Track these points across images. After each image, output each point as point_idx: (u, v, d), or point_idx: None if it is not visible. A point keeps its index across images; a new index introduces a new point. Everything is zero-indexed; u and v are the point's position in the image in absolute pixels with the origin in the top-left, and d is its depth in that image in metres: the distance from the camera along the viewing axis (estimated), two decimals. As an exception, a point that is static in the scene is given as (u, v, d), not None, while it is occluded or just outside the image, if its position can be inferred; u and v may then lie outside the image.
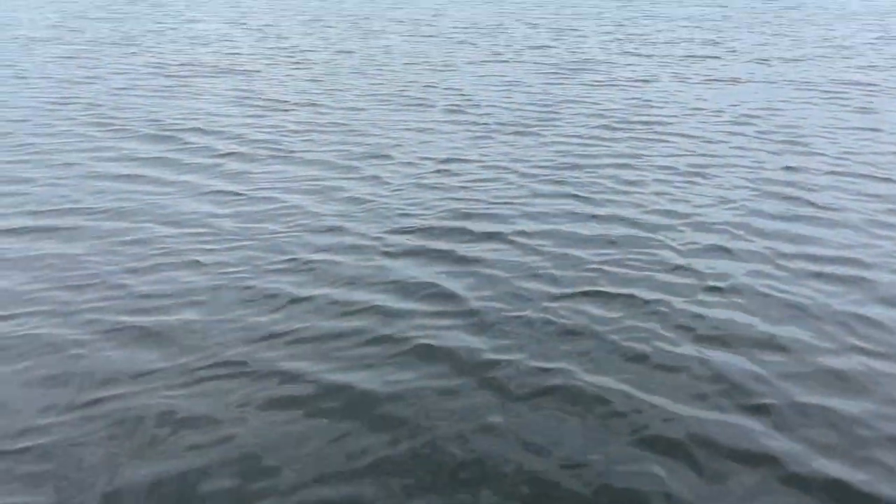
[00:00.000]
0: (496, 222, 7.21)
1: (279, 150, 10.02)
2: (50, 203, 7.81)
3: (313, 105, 13.01)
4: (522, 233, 6.90)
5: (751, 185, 8.34)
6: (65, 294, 5.72)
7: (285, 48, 21.55)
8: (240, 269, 6.18)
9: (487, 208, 7.59)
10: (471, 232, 6.95)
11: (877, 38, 23.30)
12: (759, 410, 4.25)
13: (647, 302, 5.54)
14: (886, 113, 11.89)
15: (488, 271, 6.09)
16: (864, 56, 18.91)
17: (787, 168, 8.92)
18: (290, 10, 39.58)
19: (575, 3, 51.30)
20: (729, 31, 26.37)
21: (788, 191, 8.11)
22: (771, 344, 4.95)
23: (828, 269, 6.11)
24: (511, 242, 6.68)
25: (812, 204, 7.63)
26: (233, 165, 9.29)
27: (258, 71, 16.91)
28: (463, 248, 6.56)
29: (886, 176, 8.52)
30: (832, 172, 8.69)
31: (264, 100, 13.46)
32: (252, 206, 7.75)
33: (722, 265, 6.18)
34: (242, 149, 10.04)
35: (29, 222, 7.25)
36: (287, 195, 8.10)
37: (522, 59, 19.20)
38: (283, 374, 4.66)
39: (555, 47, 21.97)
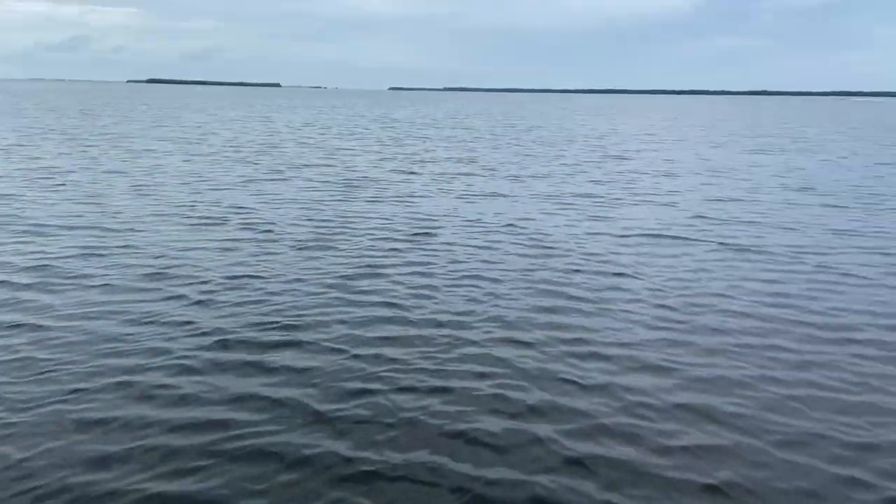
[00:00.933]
0: (292, 331, 7.56)
1: (65, 275, 9.46)
2: None
3: (91, 228, 12.43)
4: (318, 340, 7.34)
5: (521, 282, 9.68)
6: None
7: (40, 169, 20.18)
8: (54, 397, 5.84)
9: (282, 319, 7.90)
10: (268, 342, 7.22)
11: (600, 157, 28.01)
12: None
13: (455, 389, 6.24)
14: (613, 220, 14.46)
15: (294, 377, 6.38)
16: (589, 173, 22.67)
17: (547, 268, 10.48)
18: (38, 128, 36.88)
19: (339, 122, 54.28)
20: (482, 151, 29.85)
21: (550, 287, 9.55)
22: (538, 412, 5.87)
23: (576, 347, 7.36)
24: (310, 347, 7.08)
25: (568, 296, 9.09)
26: (14, 295, 8.60)
27: (16, 195, 15.69)
28: (265, 357, 6.79)
29: (619, 271, 10.43)
30: (578, 270, 10.41)
31: (31, 224, 12.57)
32: (50, 335, 7.29)
33: (506, 351, 7.14)
34: (15, 278, 9.32)
35: None
36: (84, 322, 7.73)
37: (303, 176, 20.05)
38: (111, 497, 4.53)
39: (332, 165, 23.21)
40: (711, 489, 4.88)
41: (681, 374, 6.69)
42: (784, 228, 13.70)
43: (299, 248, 11.40)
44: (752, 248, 11.88)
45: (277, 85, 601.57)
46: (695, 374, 6.70)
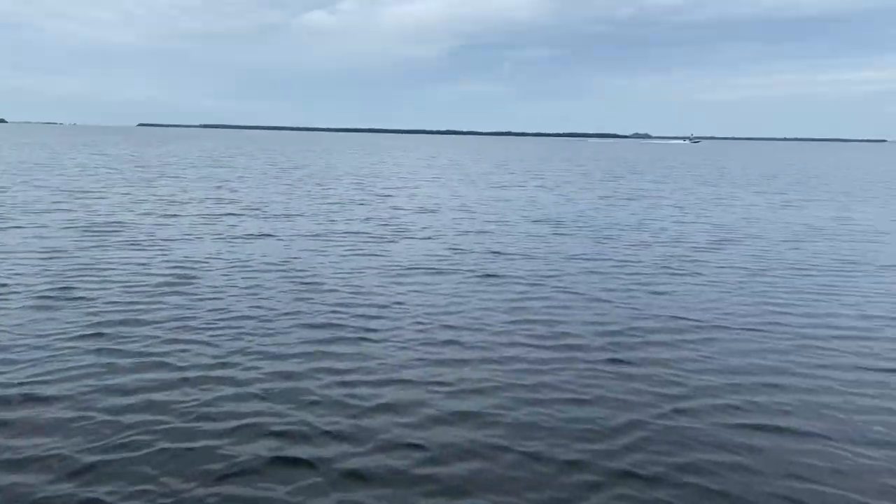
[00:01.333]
0: (36, 387, 7.04)
1: None
2: None
3: None
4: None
5: (290, 321, 9.87)
6: None
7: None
8: None
9: (22, 379, 7.31)
10: (8, 398, 6.68)
11: (364, 195, 28.98)
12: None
13: (219, 431, 6.28)
14: (378, 256, 15.22)
15: (40, 440, 6.00)
16: (355, 210, 23.44)
17: (316, 305, 10.80)
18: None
19: (79, 161, 49.47)
20: (246, 191, 29.30)
21: (320, 323, 9.87)
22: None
23: (347, 377, 7.81)
24: (59, 404, 6.66)
25: (337, 330, 9.51)
26: None
27: None
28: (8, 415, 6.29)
29: (384, 303, 11.10)
30: (346, 305, 10.88)
31: None
32: None
33: (278, 386, 7.32)
34: None
35: None
36: None
37: (42, 224, 18.14)
38: None
39: (72, 210, 21.24)
40: (463, 481, 5.54)
41: (442, 388, 7.39)
42: (527, 257, 15.43)
43: (38, 304, 10.41)
44: (501, 275, 13.26)
45: (2, 121, 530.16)
46: (454, 388, 7.44)
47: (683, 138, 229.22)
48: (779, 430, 6.74)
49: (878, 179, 48.63)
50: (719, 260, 15.38)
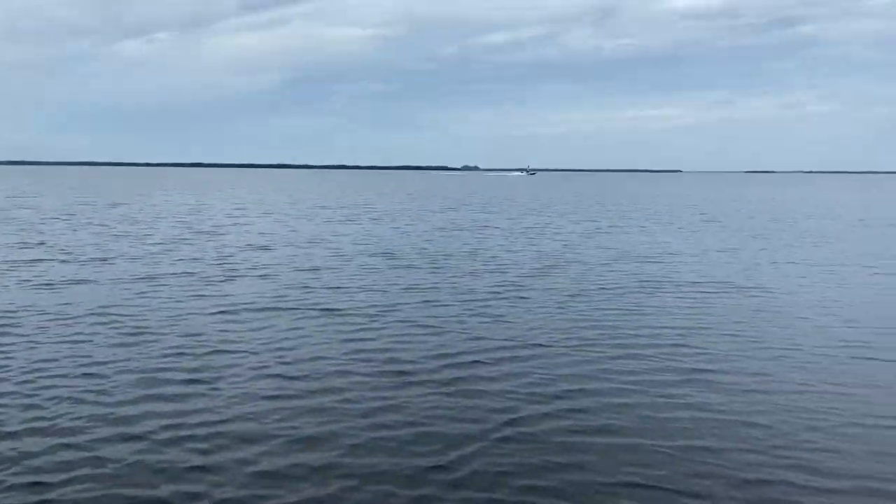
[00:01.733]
0: None
1: None
2: None
3: None
4: None
5: (116, 374, 9.32)
6: None
7: None
8: None
9: None
10: None
11: (192, 233, 27.71)
12: None
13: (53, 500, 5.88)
14: (211, 297, 14.72)
15: None
16: (182, 250, 22.42)
17: (145, 354, 10.27)
18: None
19: None
20: (56, 234, 26.87)
21: (148, 373, 9.42)
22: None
23: (182, 432, 7.59)
24: None
25: (169, 379, 9.14)
26: None
27: None
28: None
29: (220, 348, 10.83)
30: (179, 352, 10.48)
31: None
32: None
33: (114, 445, 6.95)
34: None
35: None
36: None
37: None
38: None
39: None
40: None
41: (282, 424, 7.39)
42: (365, 290, 15.65)
43: None
44: (340, 310, 13.37)
45: None
46: (294, 425, 7.46)
47: (520, 170, 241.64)
48: (602, 430, 7.52)
49: (676, 205, 54.49)
50: (543, 284, 16.54)
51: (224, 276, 17.33)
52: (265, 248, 23.21)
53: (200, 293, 14.97)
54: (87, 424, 7.48)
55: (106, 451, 6.86)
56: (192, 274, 17.46)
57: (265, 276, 17.43)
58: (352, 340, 11.10)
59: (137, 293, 14.83)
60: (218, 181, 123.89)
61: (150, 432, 7.30)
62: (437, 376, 9.23)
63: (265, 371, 9.36)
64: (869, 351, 10.83)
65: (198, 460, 6.67)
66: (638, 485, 6.37)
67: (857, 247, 25.37)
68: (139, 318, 12.47)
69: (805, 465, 6.79)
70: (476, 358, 10.13)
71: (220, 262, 19.78)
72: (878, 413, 8.16)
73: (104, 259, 19.97)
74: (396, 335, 11.47)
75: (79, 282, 16.10)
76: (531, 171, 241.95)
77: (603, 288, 16.17)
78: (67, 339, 10.93)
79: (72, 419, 7.51)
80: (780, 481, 6.44)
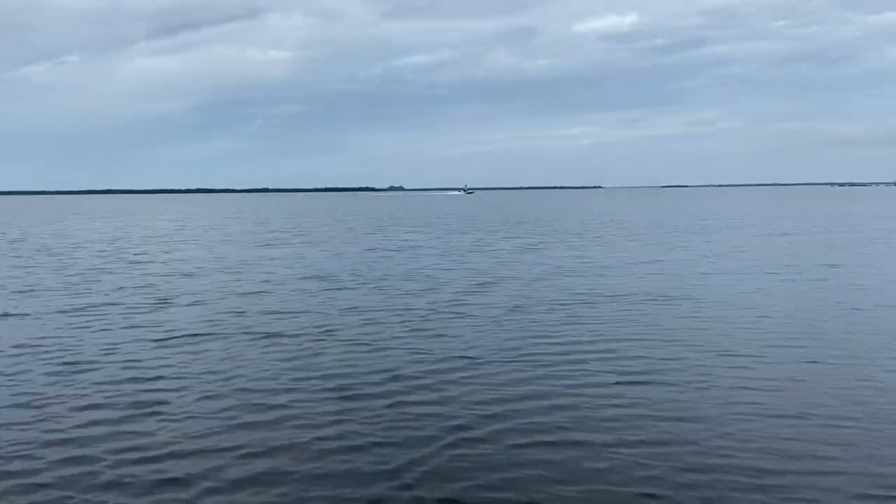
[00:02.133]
0: None
1: None
2: None
3: None
4: None
5: (45, 408, 9.01)
6: None
7: None
8: None
9: None
10: None
11: (115, 263, 26.76)
12: None
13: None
14: (141, 327, 14.33)
15: None
16: (107, 280, 21.68)
17: (77, 385, 9.95)
18: None
19: None
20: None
21: (84, 405, 9.15)
22: None
23: (123, 455, 7.45)
24: None
25: (105, 408, 8.91)
26: None
27: None
28: None
29: (155, 375, 10.60)
30: (111, 382, 10.21)
31: None
32: None
33: (62, 468, 6.76)
34: None
35: None
36: None
37: None
38: None
39: None
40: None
41: (230, 453, 7.41)
42: (302, 313, 15.57)
43: None
44: (279, 334, 13.29)
45: None
46: (241, 451, 7.48)
47: (457, 189, 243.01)
48: (542, 430, 7.95)
49: (600, 220, 56.28)
50: (481, 301, 16.86)
51: (155, 304, 16.90)
52: (192, 275, 22.71)
53: (132, 323, 14.58)
54: (32, 451, 7.32)
55: (52, 474, 6.69)
56: (119, 304, 16.95)
57: (197, 302, 17.09)
58: (294, 360, 11.18)
59: (66, 325, 14.33)
60: (136, 208, 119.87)
61: (98, 454, 7.23)
62: (382, 399, 9.34)
63: (210, 394, 9.32)
64: (796, 351, 11.61)
65: (151, 476, 6.73)
66: (578, 480, 6.73)
67: (764, 255, 26.93)
68: (73, 350, 12.09)
69: (745, 461, 7.26)
70: (420, 377, 10.31)
71: (148, 290, 19.26)
72: (814, 410, 8.78)
73: (26, 291, 19.10)
74: (339, 357, 11.54)
75: (2, 316, 15.38)
76: (469, 190, 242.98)
77: (541, 302, 16.62)
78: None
79: (12, 444, 7.27)
80: (721, 478, 6.88)
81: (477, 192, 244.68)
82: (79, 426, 8.27)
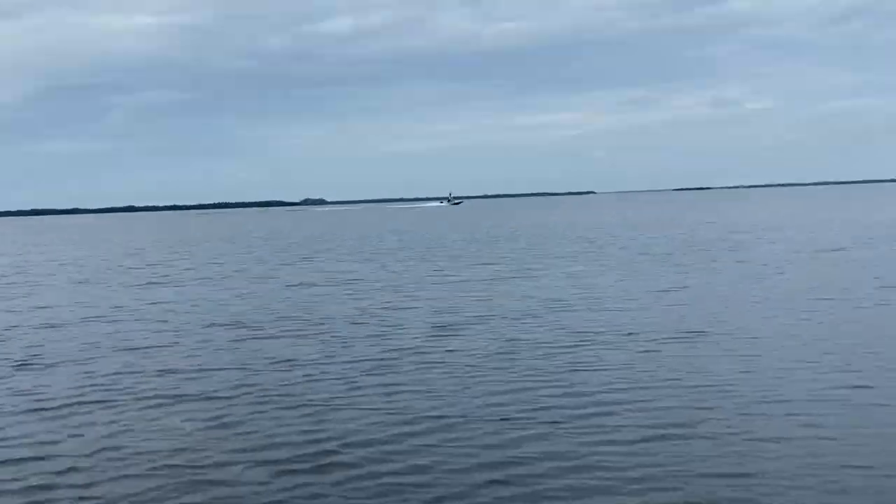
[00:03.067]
0: None
1: None
2: None
3: None
4: None
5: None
6: None
7: None
8: None
9: None
10: None
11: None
12: None
13: None
14: (20, 391, 14.79)
15: None
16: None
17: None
18: None
19: None
20: None
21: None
22: None
23: None
24: None
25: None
26: None
27: None
28: None
29: (57, 442, 11.20)
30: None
31: None
32: None
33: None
34: None
35: None
36: None
37: None
38: None
39: None
40: None
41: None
42: (215, 369, 16.27)
43: None
44: (188, 396, 14.15)
45: None
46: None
47: (440, 199, 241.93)
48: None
49: (599, 239, 57.69)
50: (447, 346, 17.83)
51: (18, 364, 17.35)
52: (57, 327, 23.04)
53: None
54: None
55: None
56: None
57: (73, 361, 17.58)
58: (213, 429, 12.08)
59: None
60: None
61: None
62: (320, 468, 10.33)
63: (112, 475, 9.98)
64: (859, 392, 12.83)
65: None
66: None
67: (811, 278, 28.61)
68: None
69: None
70: (371, 444, 11.19)
71: (4, 347, 19.59)
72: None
73: None
74: (267, 420, 12.53)
75: None
76: (455, 201, 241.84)
77: (522, 345, 17.63)
78: None
79: None
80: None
81: (455, 201, 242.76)
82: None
